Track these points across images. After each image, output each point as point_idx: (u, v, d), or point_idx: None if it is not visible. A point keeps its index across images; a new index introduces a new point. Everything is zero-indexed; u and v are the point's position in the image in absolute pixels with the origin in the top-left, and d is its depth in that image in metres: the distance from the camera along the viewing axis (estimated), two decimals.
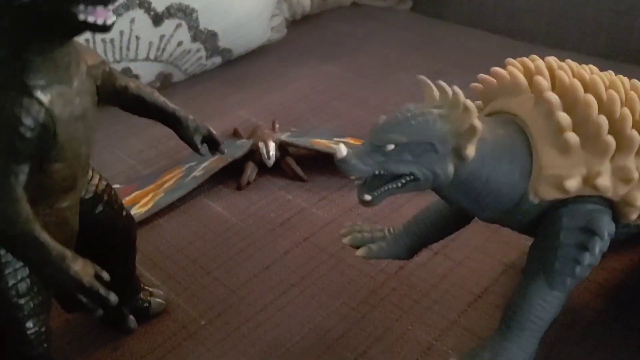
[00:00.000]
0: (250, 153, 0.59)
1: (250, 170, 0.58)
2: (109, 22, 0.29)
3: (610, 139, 0.34)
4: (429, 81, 0.36)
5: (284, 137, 0.60)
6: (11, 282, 0.33)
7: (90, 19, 0.29)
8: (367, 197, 0.34)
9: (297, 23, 0.93)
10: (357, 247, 0.43)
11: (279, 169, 0.59)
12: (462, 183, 0.34)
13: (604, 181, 0.35)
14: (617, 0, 0.80)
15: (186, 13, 0.72)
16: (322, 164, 0.58)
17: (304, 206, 0.55)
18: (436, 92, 0.35)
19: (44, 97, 0.30)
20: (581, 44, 0.82)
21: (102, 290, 0.31)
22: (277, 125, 0.64)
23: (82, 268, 0.30)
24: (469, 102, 0.33)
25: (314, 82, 0.77)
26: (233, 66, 0.81)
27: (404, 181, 0.34)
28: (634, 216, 0.36)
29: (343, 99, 0.73)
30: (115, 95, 0.37)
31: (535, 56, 0.39)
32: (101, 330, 0.43)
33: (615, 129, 0.35)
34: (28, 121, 0.29)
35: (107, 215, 0.39)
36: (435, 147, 0.33)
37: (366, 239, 0.43)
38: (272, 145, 0.58)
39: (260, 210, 0.55)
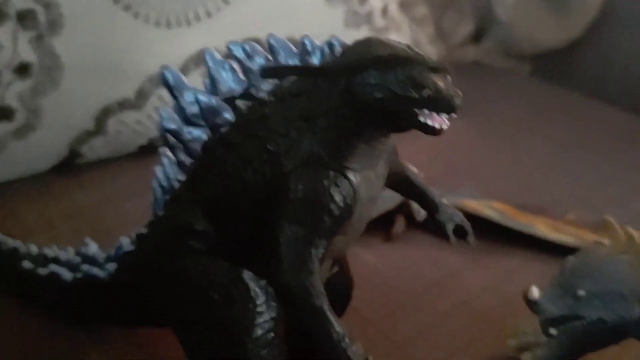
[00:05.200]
0: (400, 206, 0.60)
1: (400, 224, 0.59)
2: (444, 126, 0.30)
3: None
4: (615, 223, 0.39)
5: None
6: (259, 333, 0.33)
7: (429, 122, 0.29)
8: (553, 332, 0.38)
9: None
10: (523, 351, 0.43)
11: (425, 225, 0.60)
12: None
13: None
14: None
15: None
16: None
17: (456, 267, 0.55)
18: (621, 234, 0.39)
19: (355, 179, 0.32)
20: None
21: None
22: None
23: (356, 351, 0.31)
24: None
25: (443, 136, 0.77)
26: None
27: (589, 321, 0.37)
28: None
29: (474, 160, 0.73)
30: (392, 176, 0.37)
31: None
32: None
33: None
34: (339, 200, 0.31)
35: (337, 276, 0.39)
36: (625, 296, 0.36)
37: (532, 343, 0.44)
38: None
39: (412, 265, 0.55)
